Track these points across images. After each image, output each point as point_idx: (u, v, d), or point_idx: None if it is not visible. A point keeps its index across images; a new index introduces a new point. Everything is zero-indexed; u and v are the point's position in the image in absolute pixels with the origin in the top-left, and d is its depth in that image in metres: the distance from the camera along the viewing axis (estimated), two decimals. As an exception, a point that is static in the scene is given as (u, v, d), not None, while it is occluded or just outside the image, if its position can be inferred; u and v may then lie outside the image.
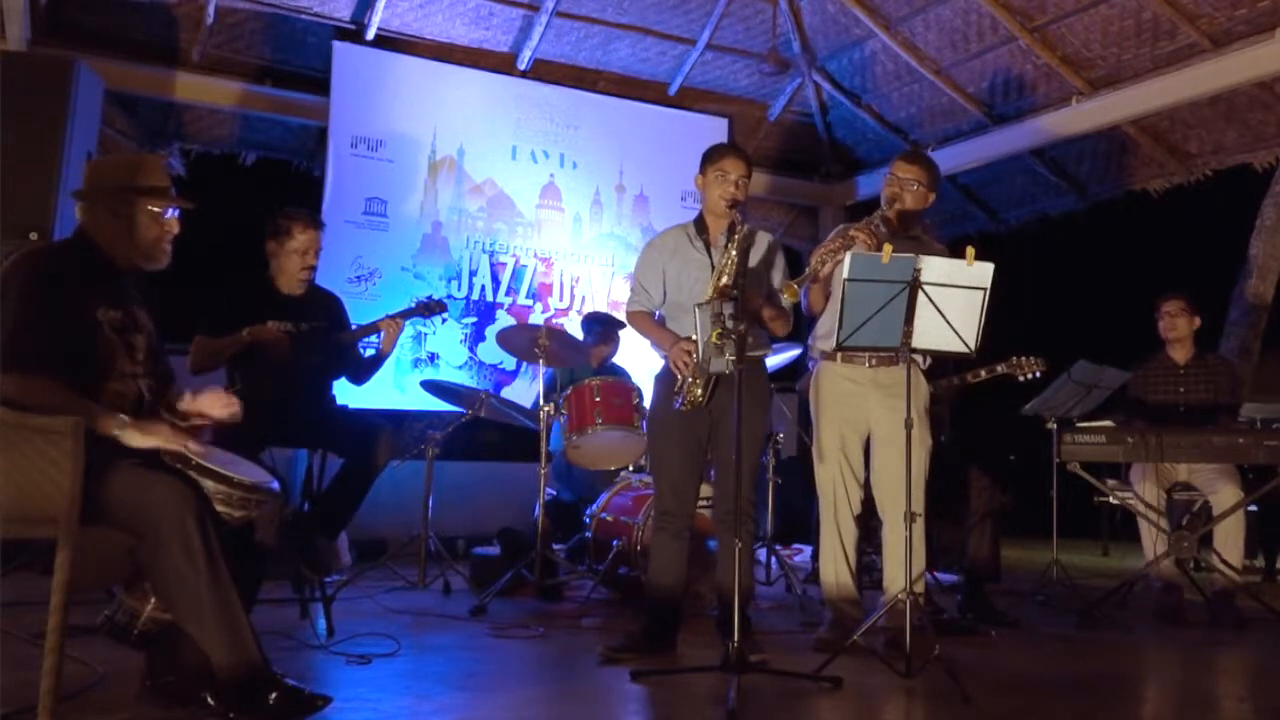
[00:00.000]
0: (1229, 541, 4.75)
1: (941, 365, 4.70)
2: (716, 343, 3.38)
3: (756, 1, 6.83)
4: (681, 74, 7.30)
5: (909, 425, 3.47)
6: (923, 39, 6.61)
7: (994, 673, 3.44)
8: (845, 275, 3.36)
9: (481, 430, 6.19)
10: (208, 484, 2.45)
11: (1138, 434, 4.57)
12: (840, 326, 3.40)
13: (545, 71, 7.01)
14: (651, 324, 3.79)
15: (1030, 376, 4.64)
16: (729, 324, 3.36)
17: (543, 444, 4.68)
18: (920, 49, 6.67)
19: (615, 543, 4.58)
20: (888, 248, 3.40)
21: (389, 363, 6.27)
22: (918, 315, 3.42)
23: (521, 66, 6.93)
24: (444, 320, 5.09)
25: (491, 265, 6.70)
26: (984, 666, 3.50)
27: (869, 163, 7.90)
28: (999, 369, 4.62)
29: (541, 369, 4.78)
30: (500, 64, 6.91)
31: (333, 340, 4.12)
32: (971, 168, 7.21)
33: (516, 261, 6.77)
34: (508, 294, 6.73)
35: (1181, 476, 4.98)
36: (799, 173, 8.15)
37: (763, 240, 3.84)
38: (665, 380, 3.69)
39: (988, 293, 3.41)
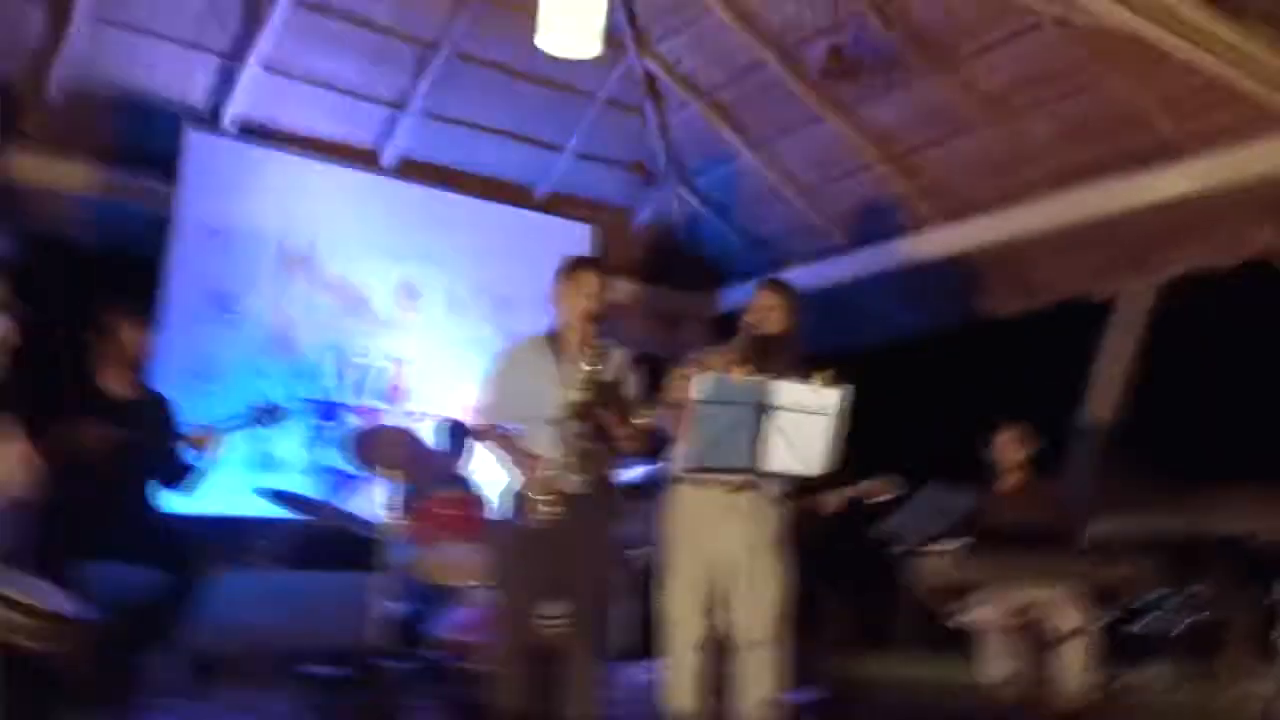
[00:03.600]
0: (1074, 665, 4.79)
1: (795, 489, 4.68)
2: (565, 461, 3.28)
3: (627, 113, 6.90)
4: (548, 179, 7.28)
5: (759, 551, 3.42)
6: (788, 159, 6.75)
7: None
8: (695, 396, 3.31)
9: (321, 538, 5.86)
10: (11, 615, 2.20)
11: (983, 556, 4.60)
12: (692, 447, 3.35)
13: (410, 170, 6.89)
14: (500, 438, 3.66)
15: (883, 499, 4.65)
16: (578, 443, 3.27)
17: (381, 556, 4.45)
18: (786, 169, 6.82)
19: (459, 663, 4.36)
20: (738, 371, 3.39)
21: (223, 465, 5.98)
22: (770, 438, 3.37)
23: (385, 163, 6.80)
24: (281, 423, 4.78)
25: (342, 365, 6.45)
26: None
27: (734, 276, 7.98)
28: (854, 489, 4.62)
29: (387, 478, 4.56)
30: (363, 160, 6.75)
31: (158, 448, 3.84)
32: (831, 286, 7.33)
33: (368, 362, 6.54)
34: (357, 395, 6.48)
35: (1033, 599, 5.03)
36: (664, 283, 8.16)
37: (616, 356, 3.77)
38: (514, 497, 3.55)
39: (839, 418, 3.40)
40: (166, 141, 6.22)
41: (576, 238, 7.38)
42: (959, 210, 6.35)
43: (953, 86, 5.64)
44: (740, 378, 3.36)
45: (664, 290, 8.22)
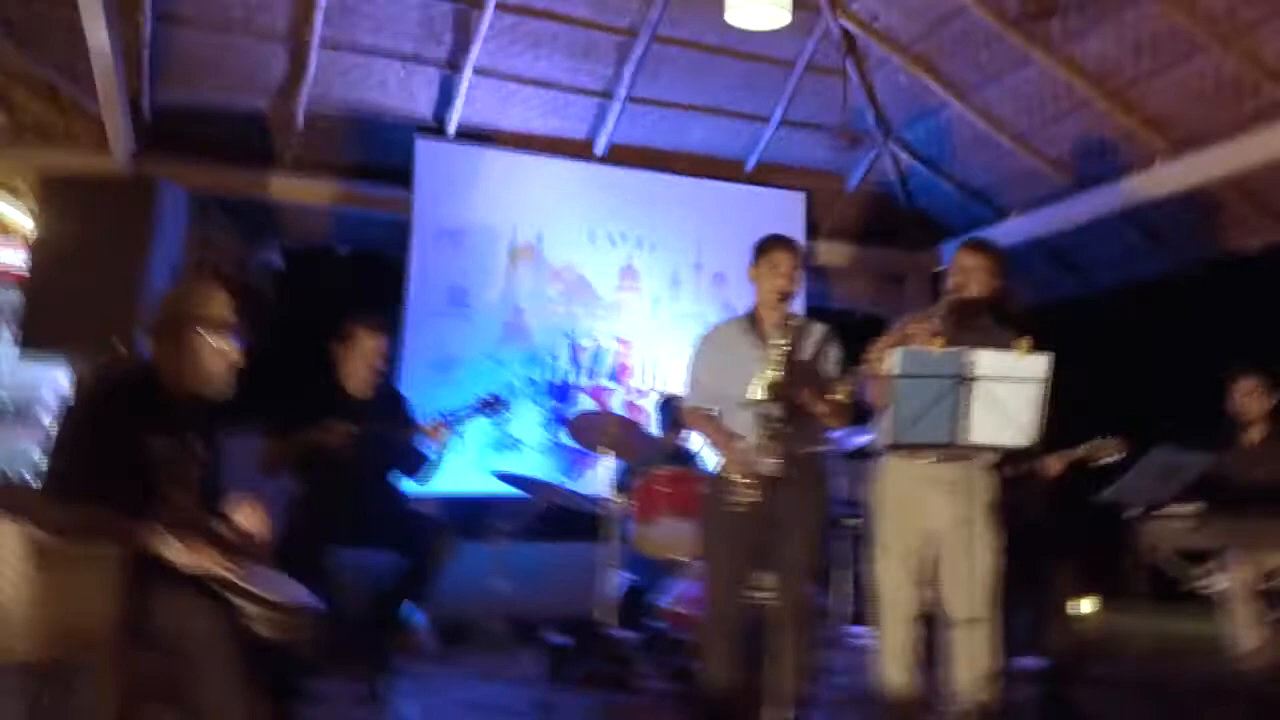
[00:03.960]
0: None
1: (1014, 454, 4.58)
2: (761, 442, 3.38)
3: (828, 76, 6.84)
4: (757, 151, 7.34)
5: (969, 524, 3.42)
6: (998, 106, 6.52)
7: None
8: (895, 371, 3.33)
9: (557, 513, 6.23)
10: (250, 607, 2.54)
11: (1226, 518, 4.37)
12: (893, 423, 3.37)
13: (622, 155, 7.12)
14: (705, 420, 3.79)
15: (1110, 460, 4.47)
16: (776, 424, 3.36)
17: (610, 533, 4.72)
18: (997, 116, 6.58)
19: (681, 636, 4.57)
20: (938, 341, 3.37)
21: (472, 444, 6.45)
22: (973, 410, 3.35)
23: (598, 152, 7.06)
24: (505, 413, 4.97)
25: (571, 348, 6.79)
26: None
27: (952, 230, 7.78)
28: (1079, 452, 4.47)
29: (606, 456, 4.83)
30: (578, 150, 7.04)
31: (395, 442, 4.22)
32: (1057, 232, 7.05)
33: (596, 344, 6.85)
34: (588, 377, 6.80)
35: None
36: (882, 242, 8.06)
37: (816, 332, 3.84)
38: (718, 478, 3.69)
39: (1045, 385, 3.33)
40: (400, 152, 6.71)
41: (790, 206, 7.44)
42: (1190, 141, 5.93)
43: (1170, 10, 5.28)
44: (938, 349, 3.34)
45: (885, 250, 8.11)
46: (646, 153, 7.19)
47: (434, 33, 6.20)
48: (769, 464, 3.40)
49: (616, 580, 4.80)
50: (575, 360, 6.79)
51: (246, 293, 7.99)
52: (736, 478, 3.51)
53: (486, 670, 5.01)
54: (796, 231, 7.47)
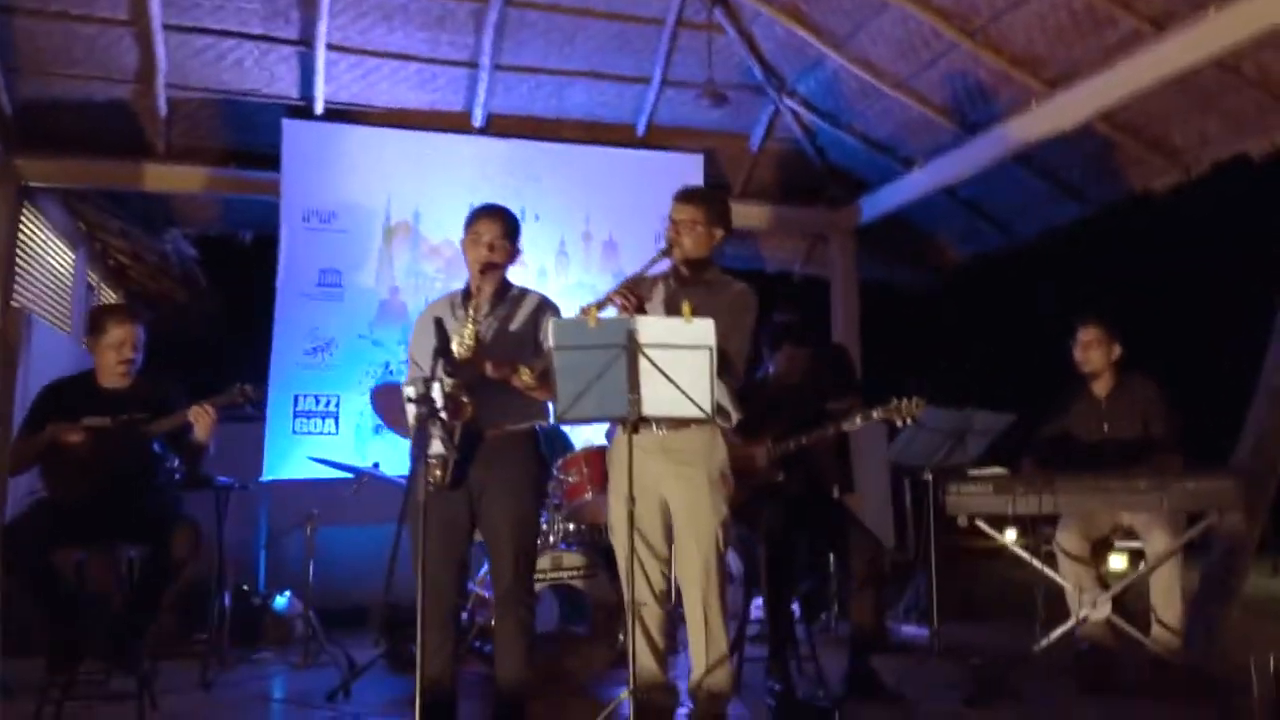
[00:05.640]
0: (1165, 597, 4.17)
1: (806, 415, 4.33)
2: (423, 423, 3.20)
3: (706, 33, 6.53)
4: (645, 113, 7.06)
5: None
6: (874, 54, 6.15)
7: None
8: (551, 343, 3.14)
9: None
10: None
11: (1026, 482, 4.05)
12: (558, 398, 3.17)
13: (502, 125, 6.91)
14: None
15: (909, 422, 4.16)
16: (435, 400, 3.17)
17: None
18: (875, 64, 6.21)
19: (479, 619, 4.44)
20: (593, 311, 3.17)
21: (348, 428, 6.37)
22: (643, 380, 3.13)
23: (476, 123, 6.86)
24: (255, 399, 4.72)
25: (451, 326, 6.64)
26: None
27: (869, 183, 7.43)
28: (875, 415, 4.17)
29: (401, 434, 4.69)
30: (455, 123, 6.85)
31: (147, 433, 4.07)
32: (967, 180, 6.67)
33: (476, 320, 6.68)
34: (468, 354, 6.65)
35: (1124, 521, 4.42)
36: (802, 201, 7.72)
37: (529, 303, 3.66)
38: (416, 461, 3.51)
39: (714, 351, 3.10)
40: (274, 135, 6.59)
41: (687, 168, 7.16)
42: (1060, 80, 5.55)
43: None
44: (595, 318, 3.12)
45: (806, 209, 7.78)
46: (528, 121, 6.97)
47: (279, 10, 6.04)
48: (436, 446, 3.22)
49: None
50: (455, 338, 6.63)
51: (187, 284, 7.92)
52: (430, 460, 3.33)
53: (310, 657, 4.93)
54: (696, 194, 7.20)
